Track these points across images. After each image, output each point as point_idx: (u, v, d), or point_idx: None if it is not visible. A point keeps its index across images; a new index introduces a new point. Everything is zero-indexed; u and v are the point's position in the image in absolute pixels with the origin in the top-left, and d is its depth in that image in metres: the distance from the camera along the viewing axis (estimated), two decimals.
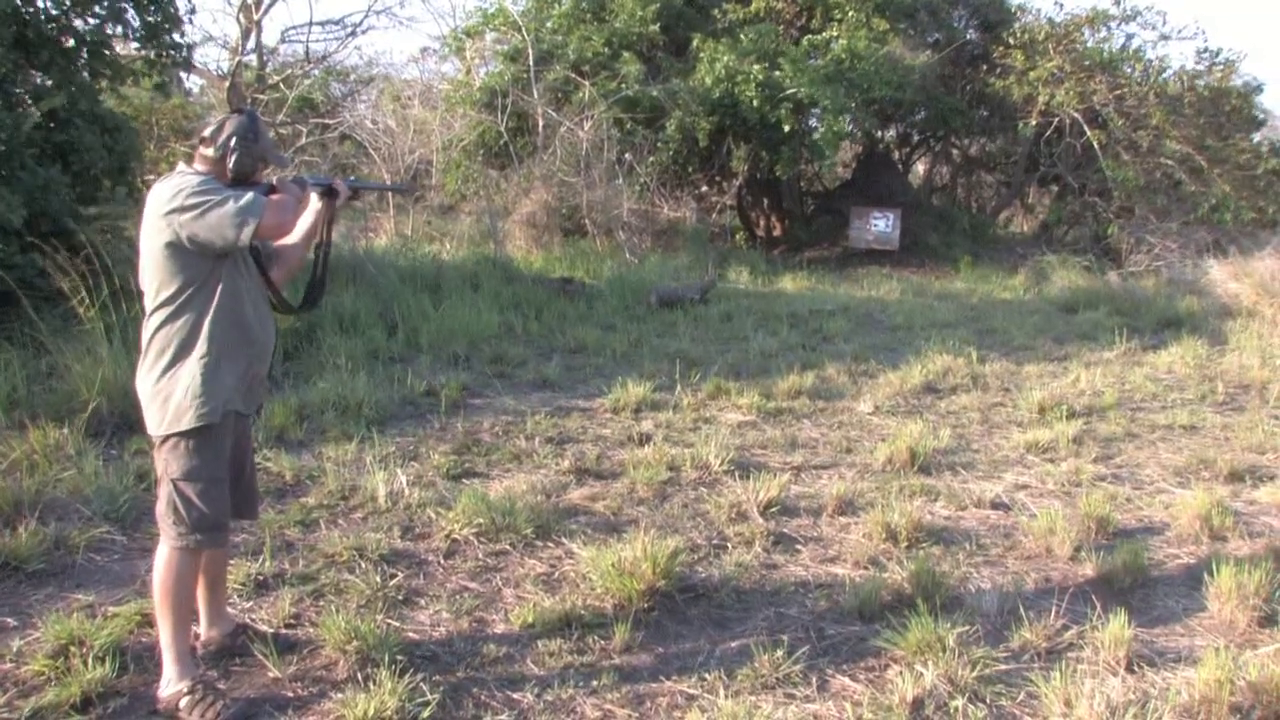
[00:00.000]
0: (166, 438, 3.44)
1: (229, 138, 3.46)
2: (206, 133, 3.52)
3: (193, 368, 3.40)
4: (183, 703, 3.46)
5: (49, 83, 8.56)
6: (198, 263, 3.38)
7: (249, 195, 3.34)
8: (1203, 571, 4.65)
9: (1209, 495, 5.68)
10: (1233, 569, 4.45)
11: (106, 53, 9.16)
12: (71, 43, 8.85)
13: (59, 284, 6.96)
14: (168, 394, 3.41)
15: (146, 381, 3.47)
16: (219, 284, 3.43)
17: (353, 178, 4.02)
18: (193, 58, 10.64)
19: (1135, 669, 3.90)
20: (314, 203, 3.78)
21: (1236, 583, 4.39)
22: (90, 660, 3.63)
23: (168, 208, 3.31)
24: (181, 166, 3.55)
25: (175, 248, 3.34)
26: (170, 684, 3.50)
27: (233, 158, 3.45)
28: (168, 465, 3.45)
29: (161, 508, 3.50)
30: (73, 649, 3.71)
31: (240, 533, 4.85)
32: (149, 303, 3.45)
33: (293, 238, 3.71)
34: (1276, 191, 18.52)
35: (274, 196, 3.49)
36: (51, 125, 8.51)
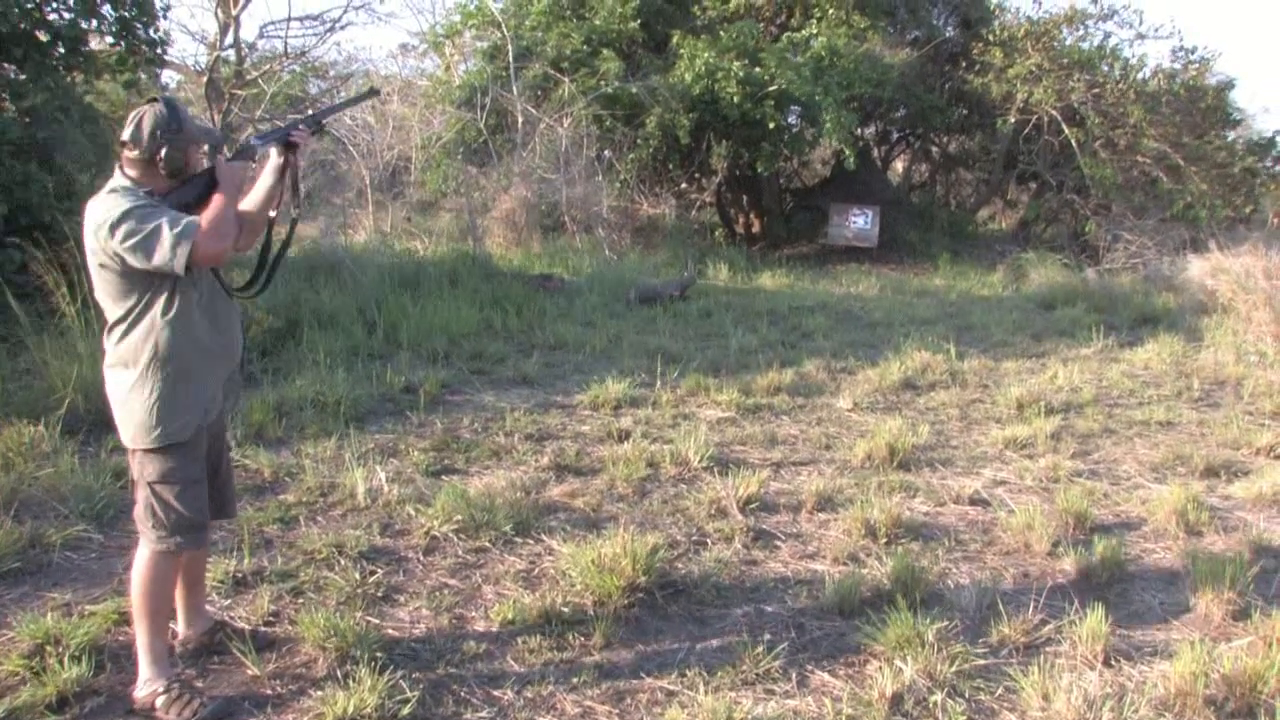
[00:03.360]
0: (136, 449, 3.42)
1: (151, 134, 3.27)
2: (126, 135, 3.30)
3: (154, 386, 3.33)
4: (159, 701, 3.44)
5: (23, 78, 8.49)
6: (144, 279, 3.28)
7: (181, 224, 3.18)
8: (1179, 566, 4.71)
9: (1185, 491, 5.72)
10: (1208, 563, 4.49)
11: (81, 48, 9.08)
12: (45, 38, 8.77)
13: (38, 280, 6.90)
14: (131, 409, 3.36)
15: (112, 391, 3.43)
16: (173, 296, 3.33)
17: (310, 113, 3.82)
18: (167, 53, 10.53)
19: (1112, 663, 3.93)
20: (273, 160, 3.54)
21: (1212, 577, 4.43)
22: (66, 659, 3.60)
23: (102, 234, 3.19)
24: (116, 176, 3.36)
25: (116, 270, 3.25)
26: (146, 684, 3.48)
27: (162, 154, 3.28)
28: (143, 469, 3.42)
29: (140, 510, 3.47)
30: (48, 648, 3.68)
31: (219, 530, 4.83)
32: (104, 310, 3.38)
33: (250, 205, 3.51)
34: (1251, 189, 18.69)
35: (208, 211, 3.30)
36: (29, 121, 8.43)
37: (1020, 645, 4.05)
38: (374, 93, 4.40)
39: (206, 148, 3.47)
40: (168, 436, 3.36)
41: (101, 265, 3.26)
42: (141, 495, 3.46)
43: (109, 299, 3.33)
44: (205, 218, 3.27)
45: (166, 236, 3.16)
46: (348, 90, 22.26)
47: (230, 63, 16.51)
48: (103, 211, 3.22)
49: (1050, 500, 5.75)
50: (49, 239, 7.33)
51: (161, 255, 3.17)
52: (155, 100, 3.35)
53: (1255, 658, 3.72)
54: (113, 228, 3.17)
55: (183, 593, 3.76)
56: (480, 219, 16.48)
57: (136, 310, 3.31)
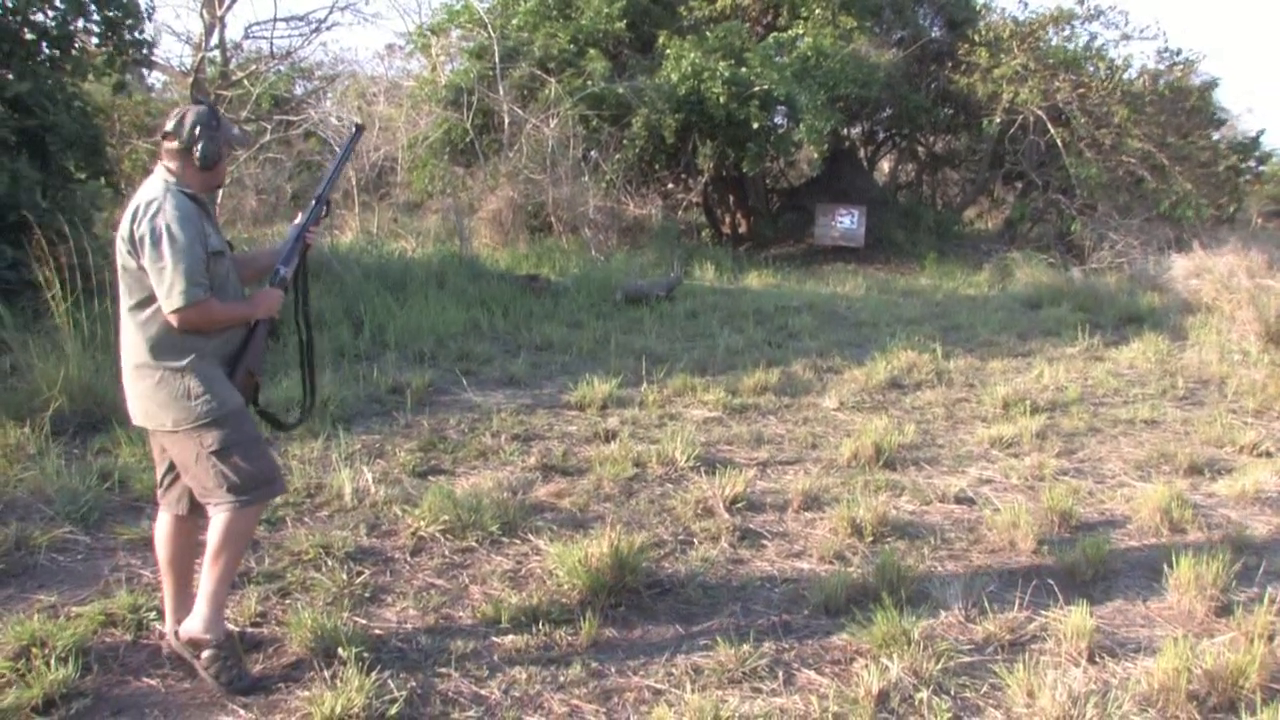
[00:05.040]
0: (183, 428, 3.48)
1: (193, 127, 3.46)
2: (169, 126, 3.49)
3: (188, 367, 3.43)
4: (206, 654, 3.57)
5: (10, 76, 8.45)
6: None
7: (194, 290, 3.32)
8: (1162, 563, 4.72)
9: (1169, 488, 5.75)
10: (1191, 560, 4.51)
11: (69, 47, 9.05)
12: (31, 36, 8.73)
13: (26, 276, 6.85)
14: (171, 392, 3.43)
15: (141, 382, 3.48)
16: None
17: (316, 196, 3.96)
18: (153, 54, 10.51)
19: (1096, 659, 3.95)
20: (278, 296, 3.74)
21: (1195, 574, 4.45)
22: (52, 661, 3.59)
23: (139, 231, 3.35)
24: (158, 170, 3.53)
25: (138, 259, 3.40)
26: (200, 627, 3.58)
27: (199, 146, 3.46)
28: (201, 443, 3.47)
29: (209, 483, 3.51)
30: (34, 650, 3.67)
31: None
32: (125, 299, 3.47)
33: (247, 313, 3.64)
34: (1235, 188, 18.79)
35: (224, 308, 3.48)
36: (16, 114, 8.39)
37: (1005, 642, 4.07)
38: (360, 129, 4.49)
39: (236, 152, 3.63)
40: (222, 405, 3.46)
41: (129, 252, 3.40)
42: (206, 468, 3.50)
43: (128, 285, 3.45)
44: (215, 309, 3.43)
45: (175, 285, 3.31)
46: (333, 91, 22.21)
47: (216, 63, 16.45)
48: (151, 208, 3.37)
49: (1035, 498, 5.78)
50: (39, 236, 7.28)
51: (159, 286, 3.34)
52: (200, 103, 3.59)
53: (1237, 653, 3.75)
54: (154, 231, 3.32)
55: (172, 588, 3.76)
56: (467, 220, 16.47)
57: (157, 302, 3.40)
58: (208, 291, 3.38)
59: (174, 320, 3.36)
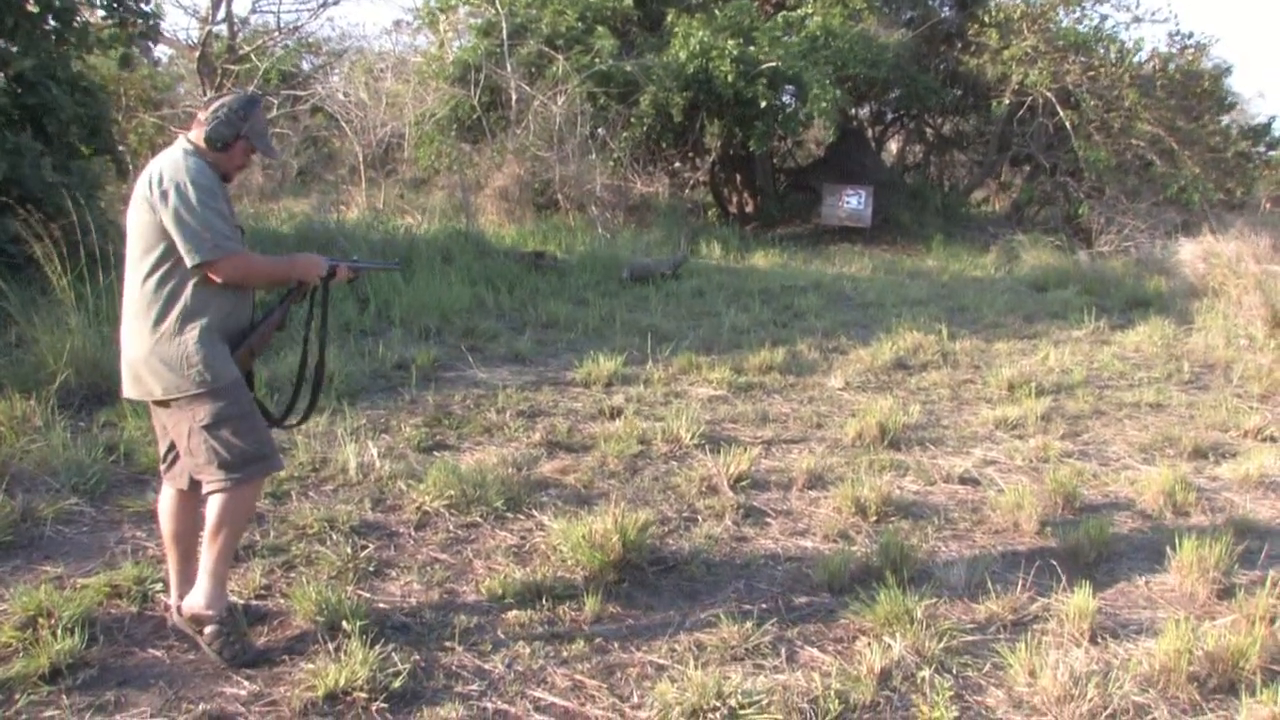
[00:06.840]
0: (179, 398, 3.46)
1: (220, 107, 3.52)
2: (205, 100, 3.63)
3: (189, 334, 3.41)
4: (209, 629, 3.58)
5: (14, 49, 8.44)
6: None
7: (222, 241, 3.35)
8: (1165, 545, 4.73)
9: (1173, 471, 5.75)
10: (1194, 543, 4.51)
11: (73, 20, 9.03)
12: (36, 9, 8.71)
13: (30, 251, 6.85)
14: (168, 359, 3.40)
15: (138, 346, 3.45)
16: None
17: (355, 257, 4.10)
18: (159, 27, 10.48)
19: (1098, 640, 3.96)
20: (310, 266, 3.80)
21: (1197, 556, 4.46)
22: (59, 632, 3.61)
23: (160, 188, 3.35)
24: (181, 140, 3.56)
25: (155, 219, 3.38)
26: (202, 603, 3.59)
27: (212, 124, 3.48)
28: (194, 415, 3.45)
29: (200, 459, 3.50)
30: (41, 620, 3.69)
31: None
32: (135, 265, 3.45)
33: (268, 273, 3.71)
34: (1244, 173, 18.73)
35: (256, 260, 3.56)
36: (19, 90, 8.38)
37: (1008, 622, 4.08)
38: (399, 264, 4.60)
39: (257, 153, 3.71)
40: (216, 378, 3.44)
41: (144, 211, 3.40)
42: (196, 443, 3.48)
43: (146, 241, 3.42)
44: (254, 260, 3.52)
45: (205, 237, 3.34)
46: (340, 66, 22.17)
47: (222, 38, 16.43)
48: (171, 167, 3.40)
49: (1040, 480, 5.78)
50: (42, 211, 7.28)
51: (187, 240, 3.33)
52: (248, 94, 3.67)
53: (1238, 635, 3.75)
54: (178, 187, 3.35)
55: (176, 563, 3.77)
56: (473, 196, 16.45)
57: (171, 259, 3.39)
58: (239, 244, 3.42)
59: (213, 274, 3.37)
